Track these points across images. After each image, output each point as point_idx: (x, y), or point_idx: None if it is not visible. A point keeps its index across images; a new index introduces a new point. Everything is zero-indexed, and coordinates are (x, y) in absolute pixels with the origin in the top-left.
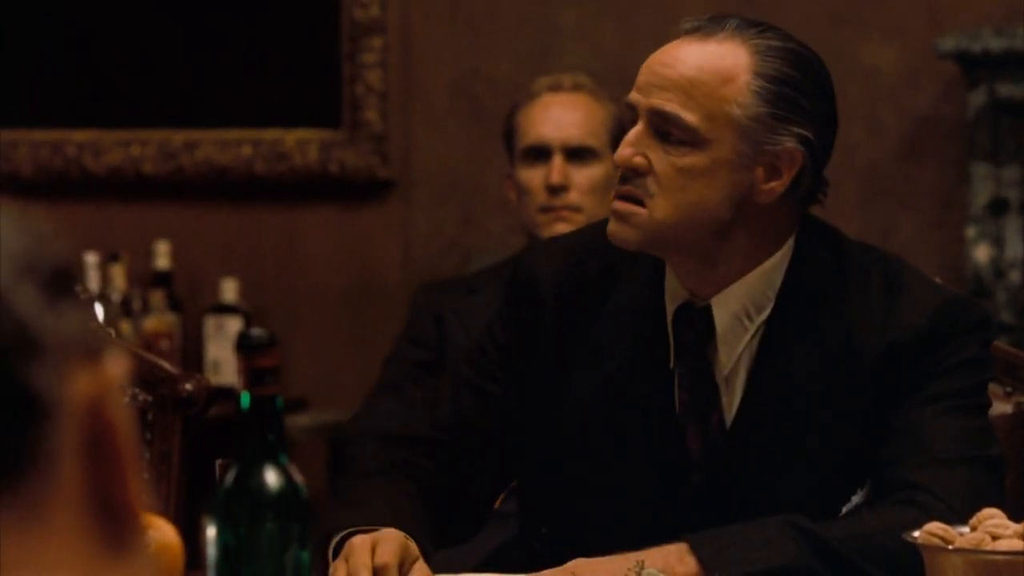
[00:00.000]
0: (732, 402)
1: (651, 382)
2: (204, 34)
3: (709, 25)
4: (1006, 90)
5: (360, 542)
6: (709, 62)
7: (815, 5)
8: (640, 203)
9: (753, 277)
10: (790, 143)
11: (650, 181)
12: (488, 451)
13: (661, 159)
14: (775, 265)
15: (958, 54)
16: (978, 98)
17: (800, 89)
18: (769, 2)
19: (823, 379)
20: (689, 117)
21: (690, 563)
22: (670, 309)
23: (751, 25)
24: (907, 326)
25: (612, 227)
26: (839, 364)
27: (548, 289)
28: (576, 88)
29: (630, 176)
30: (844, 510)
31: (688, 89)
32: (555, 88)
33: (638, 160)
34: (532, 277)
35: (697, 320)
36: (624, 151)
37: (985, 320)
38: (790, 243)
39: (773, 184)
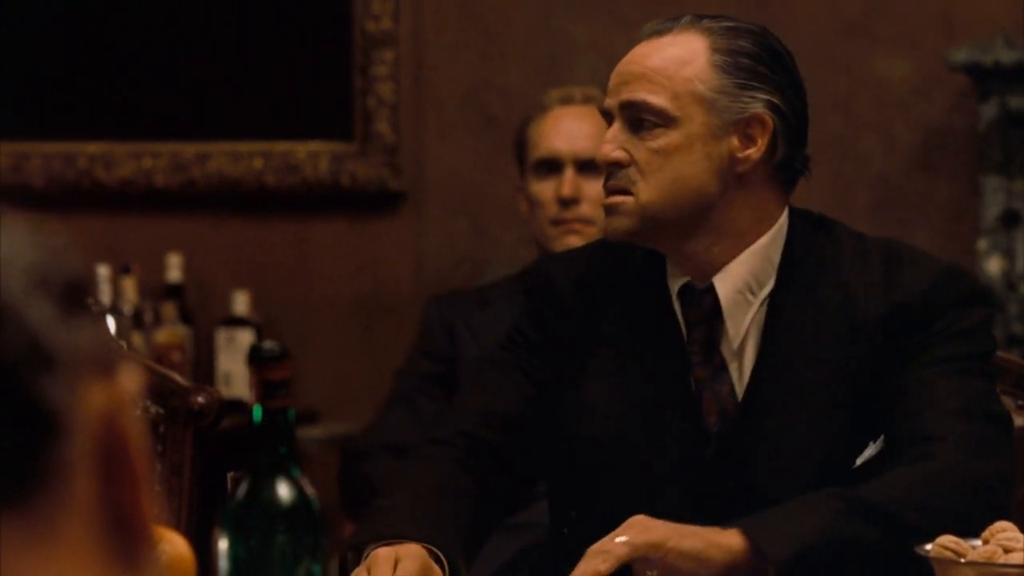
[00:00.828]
0: (743, 374)
1: (666, 363)
2: (216, 46)
3: (665, 25)
4: (1018, 102)
5: (384, 555)
6: (668, 52)
7: (827, 17)
8: (627, 193)
9: (749, 254)
10: (757, 108)
11: (632, 171)
12: (544, 426)
13: (637, 147)
14: (770, 241)
15: (970, 66)
16: (990, 110)
17: (757, 58)
18: (781, 14)
19: (829, 345)
20: (655, 100)
21: (731, 531)
22: (673, 291)
23: (704, 17)
24: (910, 291)
25: (604, 222)
26: (843, 330)
27: (566, 288)
28: (587, 101)
29: (613, 171)
30: (859, 462)
31: (651, 77)
32: (566, 101)
33: (618, 154)
34: (549, 280)
35: (701, 298)
36: (603, 148)
37: (983, 292)
38: (782, 222)
39: (749, 151)
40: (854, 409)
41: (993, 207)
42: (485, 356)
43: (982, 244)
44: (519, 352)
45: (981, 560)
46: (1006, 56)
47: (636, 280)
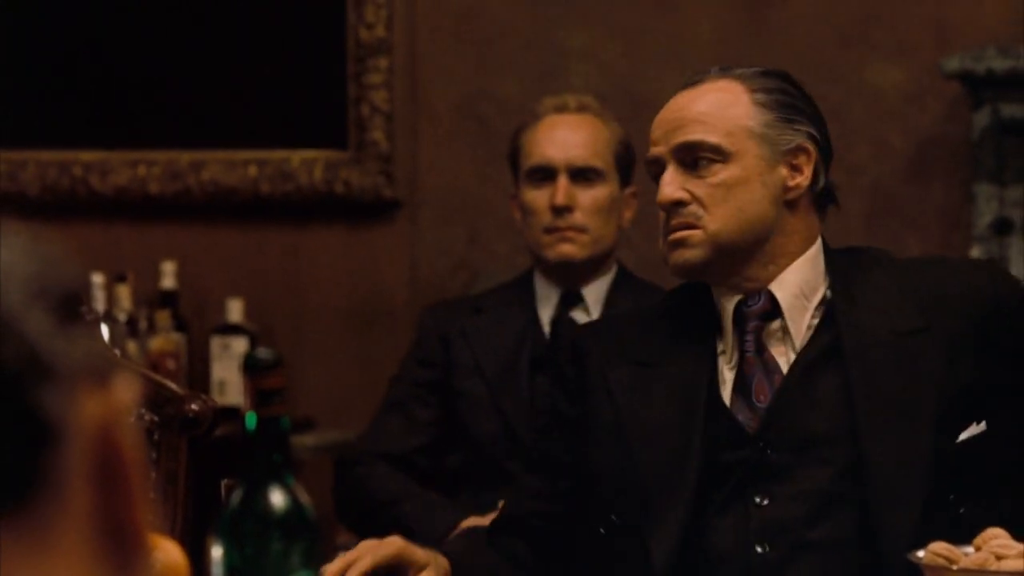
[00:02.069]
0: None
1: (700, 372)
2: (210, 55)
3: (696, 76)
4: (1010, 110)
5: (365, 543)
6: (711, 96)
7: (821, 26)
8: (694, 227)
9: (799, 263)
10: (801, 139)
11: (694, 207)
12: (582, 505)
13: (698, 186)
14: (815, 255)
15: (963, 74)
16: (982, 118)
17: (790, 94)
18: (776, 24)
19: (902, 320)
20: (712, 138)
21: None
22: (729, 307)
23: (730, 68)
24: (993, 285)
25: (673, 256)
26: (911, 306)
27: (587, 340)
28: (581, 109)
29: (675, 211)
30: (963, 437)
31: (703, 119)
32: (560, 109)
33: (680, 194)
34: (568, 339)
35: (756, 300)
36: (665, 190)
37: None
38: (819, 242)
39: (798, 179)
40: (953, 386)
41: (986, 215)
42: (532, 445)
43: (975, 252)
44: (553, 434)
45: (974, 567)
46: (999, 64)
47: (667, 314)
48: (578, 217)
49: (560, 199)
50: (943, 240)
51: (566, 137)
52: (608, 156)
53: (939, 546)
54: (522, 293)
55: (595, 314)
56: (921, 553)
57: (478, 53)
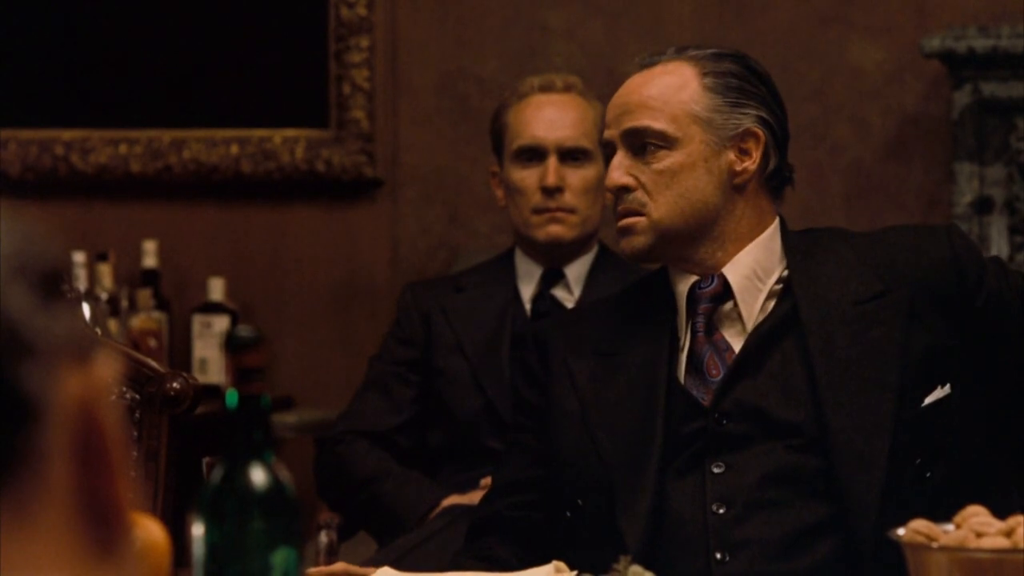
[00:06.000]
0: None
1: (660, 354)
2: (192, 34)
3: (652, 58)
4: (991, 89)
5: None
6: (662, 80)
7: (802, 6)
8: (639, 214)
9: (753, 246)
10: (749, 123)
11: (640, 193)
12: (552, 491)
13: (643, 171)
14: (769, 238)
15: (943, 53)
16: (963, 97)
17: (742, 77)
18: (756, 3)
19: (864, 288)
20: (657, 124)
21: None
22: (683, 289)
23: (687, 47)
24: (951, 247)
25: (623, 244)
26: (872, 276)
27: (551, 331)
28: (567, 88)
29: (622, 196)
30: (928, 401)
31: (649, 104)
32: (547, 88)
33: (626, 179)
34: (533, 332)
35: (709, 283)
36: (612, 175)
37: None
38: (776, 223)
39: (746, 163)
40: (915, 350)
41: (967, 194)
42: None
43: None
44: (523, 424)
45: (954, 545)
46: (979, 43)
47: (626, 303)
48: (568, 198)
49: (552, 180)
50: (923, 219)
51: (555, 117)
52: (594, 136)
53: (919, 524)
54: (503, 271)
55: (576, 292)
56: (901, 531)
57: (458, 32)
